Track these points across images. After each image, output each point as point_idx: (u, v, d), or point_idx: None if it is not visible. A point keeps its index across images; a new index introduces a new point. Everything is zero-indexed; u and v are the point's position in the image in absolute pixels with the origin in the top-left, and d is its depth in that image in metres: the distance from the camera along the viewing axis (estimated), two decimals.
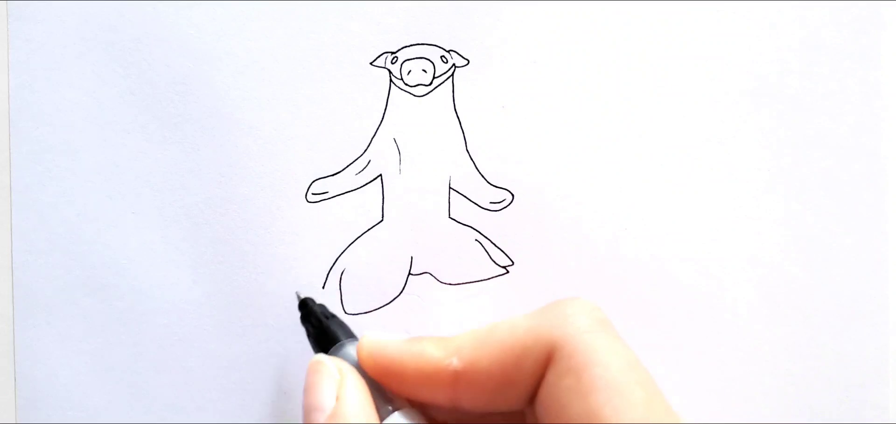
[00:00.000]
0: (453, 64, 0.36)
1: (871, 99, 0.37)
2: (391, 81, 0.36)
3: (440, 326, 0.36)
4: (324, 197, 0.36)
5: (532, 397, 0.25)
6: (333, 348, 0.30)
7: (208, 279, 0.35)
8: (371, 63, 0.36)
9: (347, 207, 0.36)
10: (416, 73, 0.36)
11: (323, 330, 0.32)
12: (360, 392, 0.27)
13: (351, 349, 0.29)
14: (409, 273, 0.36)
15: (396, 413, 0.27)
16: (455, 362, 0.26)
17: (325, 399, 0.26)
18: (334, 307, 0.36)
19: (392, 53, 0.36)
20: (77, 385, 0.35)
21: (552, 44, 0.36)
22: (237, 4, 0.35)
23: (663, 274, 0.36)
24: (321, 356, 0.28)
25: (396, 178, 0.36)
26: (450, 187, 0.36)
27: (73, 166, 0.35)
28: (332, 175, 0.36)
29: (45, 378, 0.35)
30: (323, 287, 0.36)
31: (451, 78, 0.36)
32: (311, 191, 0.36)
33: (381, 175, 0.36)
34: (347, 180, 0.36)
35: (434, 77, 0.36)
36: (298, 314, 0.33)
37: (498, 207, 0.36)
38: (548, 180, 0.36)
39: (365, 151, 0.36)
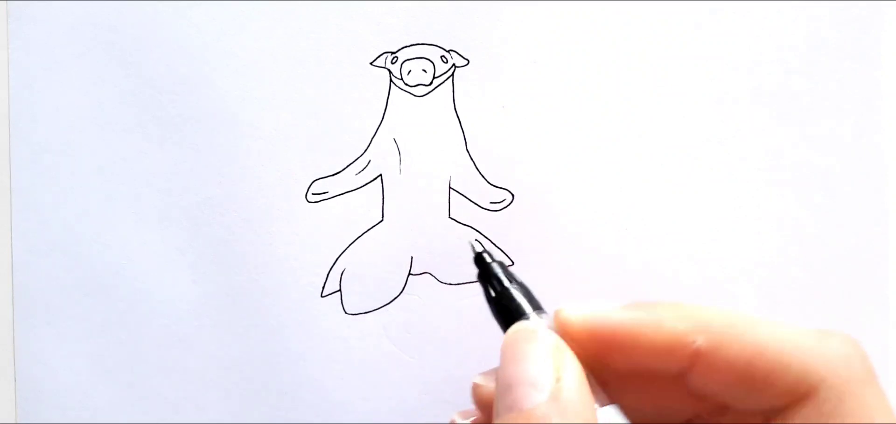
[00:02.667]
0: (453, 64, 0.36)
1: (871, 99, 0.37)
2: (391, 81, 0.36)
3: (440, 326, 0.36)
4: (324, 197, 0.36)
5: (766, 414, 0.23)
6: (520, 321, 0.25)
7: (208, 279, 0.35)
8: (371, 63, 0.36)
9: (347, 207, 0.36)
10: (416, 73, 0.36)
11: (507, 298, 0.26)
12: (582, 374, 0.22)
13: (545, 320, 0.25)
14: (409, 273, 0.36)
15: (612, 409, 0.23)
16: (701, 340, 0.23)
17: (543, 375, 0.22)
18: (335, 307, 0.36)
19: (392, 53, 0.36)
20: (77, 385, 0.35)
21: (552, 44, 0.36)
22: (237, 4, 0.35)
23: (663, 274, 0.36)
24: (533, 321, 0.24)
25: (396, 178, 0.36)
26: (450, 187, 0.36)
27: (73, 166, 0.35)
28: (332, 175, 0.36)
29: (45, 378, 0.35)
30: (323, 287, 0.36)
31: (451, 78, 0.36)
32: (311, 191, 0.36)
33: (381, 175, 0.36)
34: (347, 180, 0.36)
35: (434, 77, 0.36)
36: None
37: (498, 207, 0.36)
38: (548, 180, 0.36)
39: (365, 151, 0.36)
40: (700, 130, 0.37)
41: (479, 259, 0.27)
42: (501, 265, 0.27)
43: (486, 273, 0.27)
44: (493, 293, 0.27)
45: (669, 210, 0.37)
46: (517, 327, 0.24)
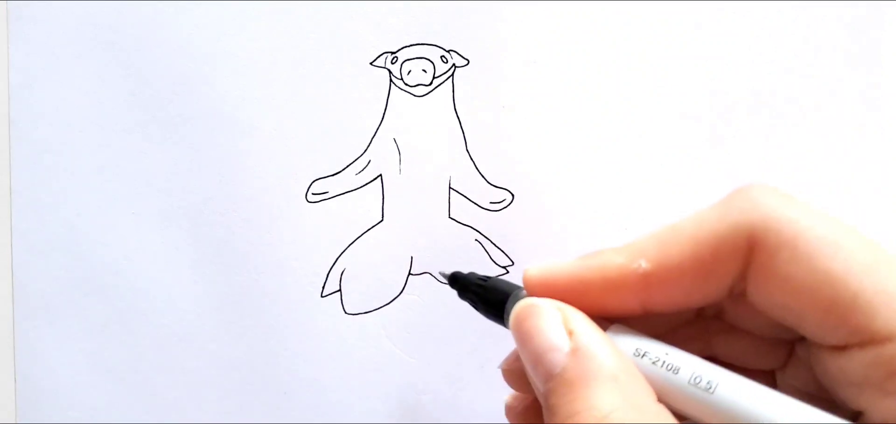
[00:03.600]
0: (453, 64, 0.36)
1: (871, 99, 0.37)
2: (391, 81, 0.36)
3: (440, 326, 0.36)
4: (324, 197, 0.36)
5: (731, 287, 0.25)
6: (509, 302, 0.27)
7: (208, 279, 0.35)
8: (371, 63, 0.36)
9: (347, 207, 0.36)
10: (416, 73, 0.36)
11: (488, 292, 0.28)
12: (585, 317, 0.25)
13: (523, 293, 0.27)
14: (409, 273, 0.36)
15: (616, 327, 0.25)
16: (643, 263, 0.25)
17: (557, 337, 0.24)
18: (335, 307, 0.36)
19: (392, 53, 0.36)
20: (77, 385, 0.35)
21: (552, 44, 0.36)
22: (237, 4, 0.35)
23: None
24: (530, 298, 0.26)
25: (396, 178, 0.36)
26: (450, 187, 0.36)
27: (73, 166, 0.35)
28: (332, 175, 0.36)
29: (45, 378, 0.35)
30: (323, 287, 0.36)
31: (451, 78, 0.36)
32: (311, 191, 0.36)
33: (381, 175, 0.36)
34: (347, 180, 0.36)
35: (434, 77, 0.36)
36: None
37: (498, 207, 0.36)
38: (548, 180, 0.36)
39: (365, 151, 0.36)
40: (700, 130, 0.37)
41: (452, 279, 0.30)
42: (472, 274, 0.30)
43: (463, 284, 0.30)
44: (476, 293, 0.29)
45: (669, 210, 0.37)
46: (516, 310, 0.26)
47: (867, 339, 0.22)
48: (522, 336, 0.25)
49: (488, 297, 0.28)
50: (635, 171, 0.36)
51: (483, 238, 0.36)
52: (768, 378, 0.27)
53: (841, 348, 0.23)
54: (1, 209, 0.35)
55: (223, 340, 0.36)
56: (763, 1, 0.37)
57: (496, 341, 0.37)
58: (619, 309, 0.26)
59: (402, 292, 0.36)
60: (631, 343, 0.25)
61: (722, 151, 0.37)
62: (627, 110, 0.36)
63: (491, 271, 0.36)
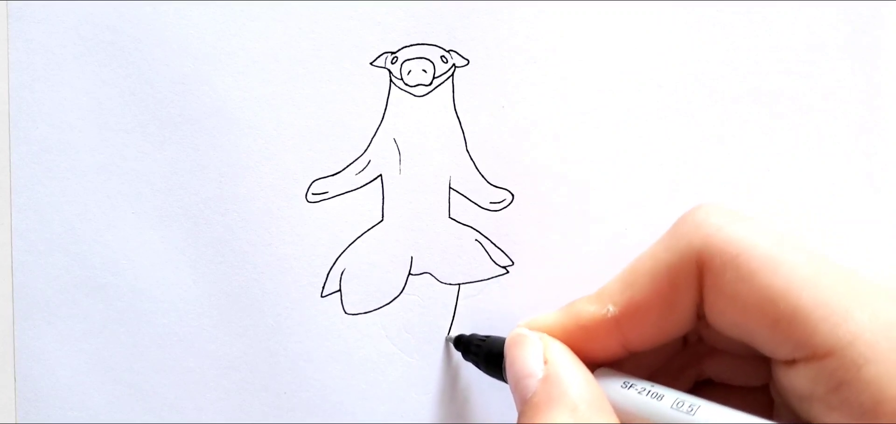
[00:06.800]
0: (453, 64, 0.36)
1: (871, 99, 0.37)
2: (391, 81, 0.36)
3: (440, 326, 0.36)
4: (324, 197, 0.36)
5: (697, 312, 0.26)
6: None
7: (208, 279, 0.35)
8: (371, 63, 0.36)
9: (347, 207, 0.36)
10: (416, 73, 0.36)
11: (488, 348, 0.32)
12: (569, 352, 0.27)
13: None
14: (409, 273, 0.36)
15: (602, 370, 0.27)
16: (611, 309, 0.26)
17: (533, 365, 0.26)
18: (335, 307, 0.36)
19: (392, 53, 0.36)
20: (77, 384, 0.35)
21: (552, 44, 0.36)
22: (237, 4, 0.35)
23: None
24: (520, 328, 0.28)
25: (396, 178, 0.36)
26: (450, 187, 0.36)
27: (73, 165, 0.35)
28: (332, 175, 0.36)
29: (45, 378, 0.35)
30: (323, 287, 0.36)
31: (451, 78, 0.36)
32: (311, 191, 0.36)
33: (381, 175, 0.36)
34: (347, 180, 0.36)
35: (434, 77, 0.36)
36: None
37: (498, 207, 0.36)
38: (548, 180, 0.36)
39: (365, 151, 0.36)
40: (700, 130, 0.37)
41: (457, 342, 0.35)
42: (472, 335, 0.34)
43: (465, 344, 0.34)
44: (476, 353, 0.33)
45: (669, 210, 0.37)
46: (508, 340, 0.28)
47: (810, 354, 0.22)
48: (508, 363, 0.27)
49: (489, 351, 0.32)
50: (635, 171, 0.36)
51: (483, 238, 0.36)
52: (765, 393, 0.27)
53: (790, 362, 0.23)
54: (1, 209, 0.35)
55: (223, 340, 0.36)
56: (763, 1, 0.37)
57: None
58: (603, 354, 0.27)
59: (402, 292, 0.36)
60: (617, 381, 0.26)
61: (722, 151, 0.37)
62: (627, 110, 0.36)
63: (491, 270, 0.36)
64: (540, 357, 0.26)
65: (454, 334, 0.35)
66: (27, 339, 0.35)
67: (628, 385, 0.26)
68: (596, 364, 0.27)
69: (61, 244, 0.35)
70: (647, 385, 0.26)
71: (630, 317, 0.26)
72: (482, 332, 0.35)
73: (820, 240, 0.37)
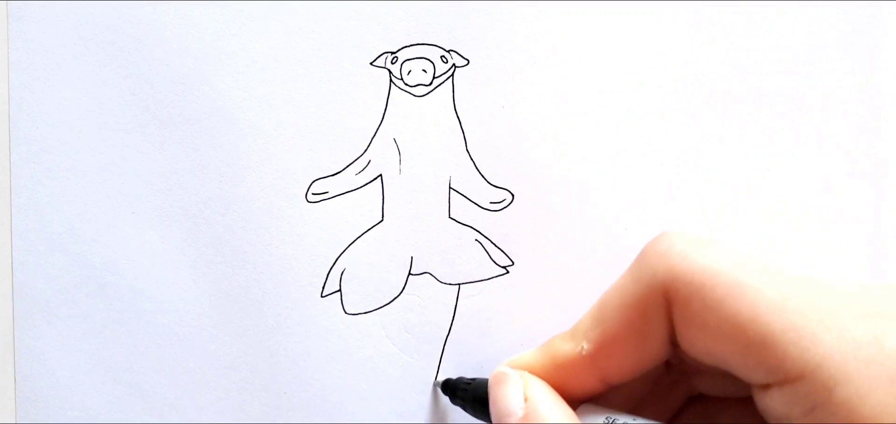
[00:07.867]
0: (453, 64, 0.36)
1: (871, 99, 0.37)
2: (391, 81, 0.36)
3: (440, 326, 0.36)
4: (324, 197, 0.36)
5: (671, 339, 0.26)
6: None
7: (208, 279, 0.35)
8: (371, 63, 0.36)
9: (347, 207, 0.36)
10: (416, 73, 0.36)
11: (473, 392, 0.33)
12: (549, 389, 0.27)
13: None
14: (409, 273, 0.36)
15: (584, 406, 0.27)
16: (585, 346, 0.26)
17: (514, 403, 0.27)
18: (334, 307, 0.36)
19: (392, 53, 0.36)
20: (77, 384, 0.35)
21: (552, 44, 0.36)
22: (237, 4, 0.35)
23: None
24: (502, 367, 0.29)
25: (396, 178, 0.36)
26: (450, 187, 0.36)
27: (73, 165, 0.35)
28: (332, 175, 0.36)
29: (45, 378, 0.35)
30: (323, 287, 0.36)
31: (451, 78, 0.36)
32: (311, 191, 0.36)
33: (381, 175, 0.36)
34: (347, 180, 0.36)
35: (434, 77, 0.36)
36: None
37: (498, 207, 0.36)
38: (548, 180, 0.36)
39: (365, 151, 0.36)
40: (700, 130, 0.37)
41: (444, 386, 0.35)
42: (459, 379, 0.35)
43: (452, 389, 0.34)
44: (464, 393, 0.33)
45: (669, 210, 0.37)
46: (490, 379, 0.29)
47: (783, 378, 0.22)
48: (491, 402, 0.28)
49: (474, 394, 0.32)
50: (635, 171, 0.36)
51: (483, 238, 0.36)
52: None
53: (765, 386, 0.23)
54: (1, 209, 0.35)
55: (223, 340, 0.36)
56: (763, 1, 0.37)
57: (496, 343, 0.37)
58: (584, 390, 0.27)
59: (402, 292, 0.36)
60: (599, 416, 0.27)
61: (722, 151, 0.37)
62: (627, 110, 0.36)
63: (491, 270, 0.36)
64: (520, 395, 0.27)
65: (441, 378, 0.36)
66: (27, 339, 0.35)
67: (610, 420, 0.26)
68: (578, 400, 0.28)
69: (61, 244, 0.35)
70: (630, 419, 0.26)
71: (604, 352, 0.26)
72: (482, 334, 0.35)
73: (820, 241, 0.37)
